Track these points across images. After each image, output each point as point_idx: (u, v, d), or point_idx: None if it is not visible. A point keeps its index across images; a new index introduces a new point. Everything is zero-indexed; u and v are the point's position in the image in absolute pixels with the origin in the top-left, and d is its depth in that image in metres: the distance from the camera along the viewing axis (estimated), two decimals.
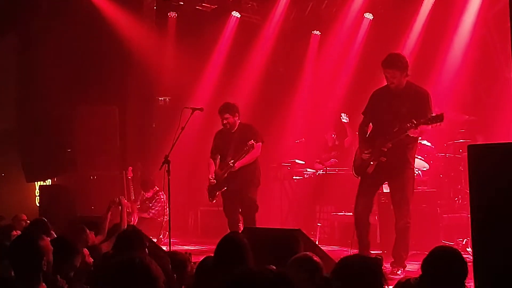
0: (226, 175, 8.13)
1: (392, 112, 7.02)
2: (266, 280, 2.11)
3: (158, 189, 10.51)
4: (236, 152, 8.10)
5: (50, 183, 11.91)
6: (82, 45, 11.57)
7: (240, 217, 8.31)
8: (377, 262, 3.49)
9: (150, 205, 10.65)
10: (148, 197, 10.75)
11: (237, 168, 8.03)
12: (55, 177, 11.99)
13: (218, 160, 8.40)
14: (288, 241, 4.50)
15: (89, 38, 11.58)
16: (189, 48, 12.07)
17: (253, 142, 7.99)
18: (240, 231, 7.91)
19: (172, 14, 12.45)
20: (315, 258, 3.63)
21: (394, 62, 7.04)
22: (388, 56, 7.12)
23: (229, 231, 7.42)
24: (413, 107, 6.94)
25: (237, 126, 8.25)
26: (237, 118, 8.23)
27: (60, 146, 11.82)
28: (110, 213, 6.97)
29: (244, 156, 8.03)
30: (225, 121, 8.18)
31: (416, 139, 7.17)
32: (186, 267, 4.60)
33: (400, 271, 6.83)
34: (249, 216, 8.06)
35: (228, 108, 8.23)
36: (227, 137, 8.26)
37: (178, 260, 4.59)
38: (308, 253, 3.81)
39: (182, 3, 12.27)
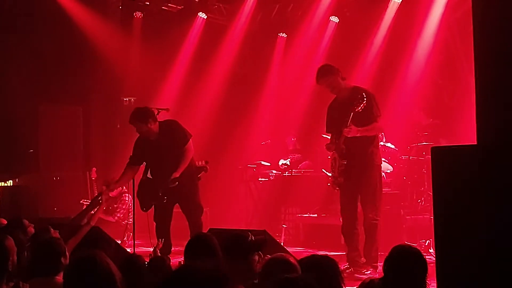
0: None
1: (343, 119, 7.07)
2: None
3: (124, 189, 10.31)
4: (170, 163, 7.38)
5: (11, 184, 11.71)
6: (46, 44, 11.40)
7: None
8: (333, 261, 3.61)
9: (115, 206, 10.48)
10: (113, 196, 10.55)
11: (178, 176, 7.31)
12: (17, 178, 11.78)
13: (138, 168, 7.70)
14: (243, 241, 4.49)
15: (53, 37, 11.42)
16: (154, 49, 11.99)
17: (185, 147, 7.43)
18: (169, 236, 7.62)
19: (138, 14, 12.34)
20: (291, 259, 3.66)
21: (320, 73, 7.23)
22: (316, 73, 7.28)
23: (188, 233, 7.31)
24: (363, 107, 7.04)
25: (157, 131, 7.48)
26: (152, 124, 7.38)
27: (22, 146, 11.62)
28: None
29: (181, 164, 7.37)
30: (144, 131, 7.42)
31: (374, 136, 7.23)
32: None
33: (369, 271, 6.88)
34: (195, 220, 7.54)
35: (137, 118, 7.40)
36: (150, 145, 7.51)
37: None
38: (284, 254, 3.84)
39: (148, 3, 12.17)
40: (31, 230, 5.63)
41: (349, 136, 6.96)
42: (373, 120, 7.08)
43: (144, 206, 7.70)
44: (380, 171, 7.40)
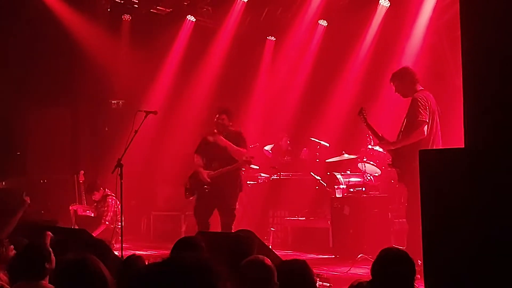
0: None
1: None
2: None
3: (108, 192, 10.22)
4: (222, 161, 8.09)
5: None
6: (34, 46, 11.36)
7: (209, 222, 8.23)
8: (303, 263, 3.83)
9: (102, 209, 10.35)
10: (96, 200, 10.44)
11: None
12: (4, 181, 11.71)
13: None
14: (242, 244, 4.50)
15: (41, 39, 11.38)
16: (143, 51, 11.97)
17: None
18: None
19: (126, 17, 12.33)
20: (266, 261, 3.67)
21: (392, 75, 7.41)
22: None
23: (183, 235, 7.38)
24: (408, 115, 7.28)
25: (227, 131, 8.23)
26: (231, 124, 8.24)
27: (9, 149, 11.55)
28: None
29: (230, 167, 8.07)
30: (220, 121, 8.16)
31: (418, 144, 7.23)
32: None
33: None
34: (228, 223, 8.03)
35: (227, 110, 8.29)
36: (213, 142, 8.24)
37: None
38: (260, 256, 3.84)
39: (136, 6, 12.16)
40: None
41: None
42: (413, 128, 7.19)
43: (188, 192, 8.34)
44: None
